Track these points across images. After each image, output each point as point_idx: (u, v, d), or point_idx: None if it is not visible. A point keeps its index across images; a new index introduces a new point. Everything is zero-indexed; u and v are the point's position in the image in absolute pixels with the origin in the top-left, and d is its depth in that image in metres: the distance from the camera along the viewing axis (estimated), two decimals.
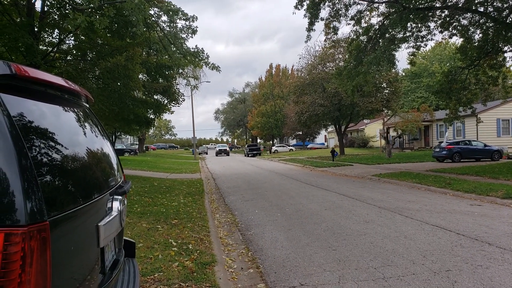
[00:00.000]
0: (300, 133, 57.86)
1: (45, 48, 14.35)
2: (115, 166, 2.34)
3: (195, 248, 5.56)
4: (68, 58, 14.96)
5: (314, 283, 4.36)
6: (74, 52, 14.82)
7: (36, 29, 12.68)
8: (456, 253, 5.28)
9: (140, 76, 14.67)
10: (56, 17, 13.55)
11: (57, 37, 14.53)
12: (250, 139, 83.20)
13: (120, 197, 2.06)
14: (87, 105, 2.38)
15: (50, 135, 1.55)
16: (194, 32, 9.88)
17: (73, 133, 1.84)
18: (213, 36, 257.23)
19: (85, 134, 1.98)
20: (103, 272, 1.85)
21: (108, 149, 2.29)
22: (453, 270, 4.60)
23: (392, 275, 4.50)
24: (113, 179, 2.15)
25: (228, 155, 55.64)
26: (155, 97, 17.56)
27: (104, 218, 1.81)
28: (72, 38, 14.28)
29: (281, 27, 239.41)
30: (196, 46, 10.31)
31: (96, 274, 1.72)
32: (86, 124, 2.06)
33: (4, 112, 1.25)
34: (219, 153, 57.15)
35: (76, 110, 2.03)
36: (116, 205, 1.99)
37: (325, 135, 66.56)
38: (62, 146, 1.59)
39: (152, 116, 16.89)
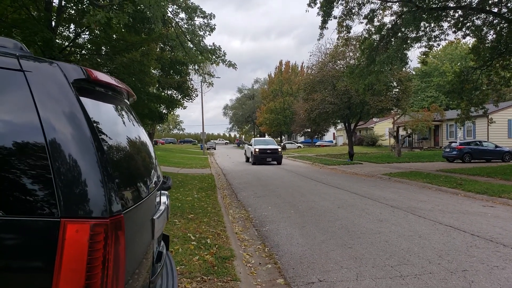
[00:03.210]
0: (309, 130, 57.79)
1: (61, 42, 14.56)
2: (156, 163, 2.46)
3: (213, 243, 5.69)
4: (83, 52, 15.17)
5: (332, 279, 4.46)
6: (89, 46, 15.02)
7: (53, 24, 12.88)
8: (472, 253, 5.34)
9: (154, 71, 14.82)
10: (73, 12, 13.75)
11: (73, 31, 14.75)
12: (258, 135, 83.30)
13: (166, 192, 2.18)
14: (128, 102, 2.50)
15: (114, 134, 1.67)
16: (212, 29, 9.98)
17: (129, 131, 1.96)
18: (230, 31, 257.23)
19: (136, 132, 2.10)
20: (152, 264, 1.97)
21: (150, 146, 2.41)
22: (469, 270, 4.67)
23: (409, 273, 4.58)
24: (159, 175, 2.27)
25: (280, 163, 25.63)
26: (169, 92, 17.76)
27: (156, 212, 1.93)
28: (87, 33, 14.48)
29: (299, 23, 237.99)
30: (213, 43, 10.42)
31: (151, 266, 1.84)
32: (134, 122, 2.18)
33: (84, 114, 1.37)
34: (259, 159, 25.22)
35: (125, 109, 2.15)
36: (163, 199, 2.11)
37: (334, 133, 66.40)
38: (122, 143, 1.71)
39: (165, 111, 17.12)
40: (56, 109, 1.34)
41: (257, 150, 25.40)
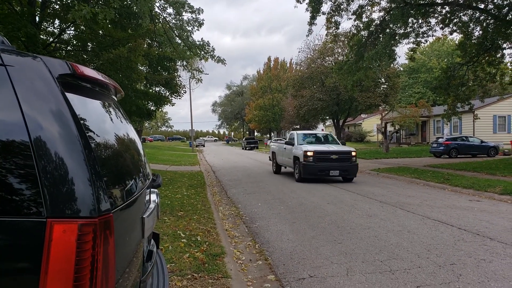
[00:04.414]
0: (298, 127, 57.97)
1: (45, 38, 14.28)
2: (145, 160, 2.42)
3: (203, 240, 5.66)
4: (69, 48, 14.91)
5: (323, 275, 4.48)
6: (75, 42, 14.77)
7: (37, 19, 12.62)
8: (459, 247, 5.42)
9: (142, 68, 14.66)
10: (57, 7, 13.50)
11: (58, 27, 14.48)
12: (248, 132, 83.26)
13: (156, 190, 2.15)
14: (115, 98, 2.45)
15: (102, 131, 1.63)
16: (200, 24, 9.89)
17: (117, 128, 1.91)
18: (221, 27, 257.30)
19: (125, 129, 2.05)
20: (143, 263, 1.94)
21: (139, 143, 2.37)
22: (457, 263, 4.74)
23: (398, 268, 4.62)
24: (148, 173, 2.23)
25: (352, 180, 14.06)
26: (157, 89, 17.62)
27: (146, 210, 1.90)
28: (73, 28, 14.23)
29: (290, 19, 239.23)
30: (202, 39, 10.34)
31: (141, 265, 1.81)
32: (122, 119, 2.13)
33: (70, 111, 1.32)
34: (315, 171, 13.09)
35: (113, 105, 2.10)
36: (153, 197, 2.08)
37: (322, 129, 66.70)
38: (110, 141, 1.67)
39: (153, 108, 16.97)
40: (40, 105, 1.30)
41: (309, 153, 13.06)
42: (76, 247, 1.20)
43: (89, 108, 1.67)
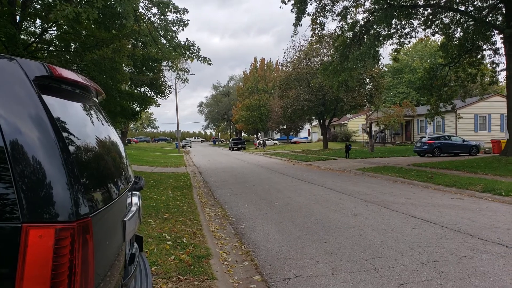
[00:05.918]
0: (284, 127, 58.20)
1: (26, 38, 14.01)
2: (128, 163, 2.40)
3: (189, 242, 5.63)
4: (51, 48, 14.65)
5: (308, 274, 4.50)
6: (57, 42, 14.52)
7: (18, 19, 12.38)
8: (441, 244, 5.52)
9: (126, 68, 14.52)
10: (38, 6, 13.25)
11: (40, 27, 14.21)
12: (235, 133, 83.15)
13: (138, 193, 2.13)
14: (97, 100, 2.42)
15: (81, 133, 1.61)
16: (185, 25, 9.85)
17: (97, 131, 1.89)
18: (211, 28, 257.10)
19: (106, 131, 2.03)
20: (125, 266, 1.92)
21: (121, 146, 2.34)
22: (439, 260, 4.82)
23: (382, 266, 4.68)
24: (130, 175, 2.21)
25: None
26: (142, 89, 17.47)
27: (127, 213, 1.88)
28: (55, 28, 13.99)
29: (278, 20, 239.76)
30: (187, 39, 10.31)
31: (123, 268, 1.79)
32: (103, 121, 2.11)
33: (47, 113, 1.30)
34: None
35: (94, 107, 2.08)
36: (135, 200, 2.06)
37: (309, 130, 67.13)
38: (90, 144, 1.65)
39: (138, 109, 16.81)
40: (15, 108, 1.27)
41: None
42: (53, 252, 1.18)
43: (69, 111, 1.64)
